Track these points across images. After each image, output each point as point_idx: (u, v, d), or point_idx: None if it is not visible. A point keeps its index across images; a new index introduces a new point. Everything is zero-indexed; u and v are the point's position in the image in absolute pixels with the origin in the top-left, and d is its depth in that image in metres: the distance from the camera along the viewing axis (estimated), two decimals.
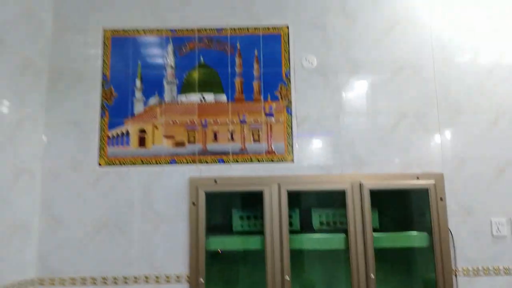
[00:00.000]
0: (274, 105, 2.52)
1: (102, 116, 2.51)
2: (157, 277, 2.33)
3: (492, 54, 2.60)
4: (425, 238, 2.33)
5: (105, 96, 2.53)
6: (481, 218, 2.41)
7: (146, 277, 2.34)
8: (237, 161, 2.47)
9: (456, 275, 2.33)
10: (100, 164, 2.46)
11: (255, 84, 2.54)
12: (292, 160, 2.47)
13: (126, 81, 2.55)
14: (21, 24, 2.32)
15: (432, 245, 2.30)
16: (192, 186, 2.38)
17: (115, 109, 2.52)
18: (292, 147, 2.48)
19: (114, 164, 2.46)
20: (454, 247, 2.34)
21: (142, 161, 2.47)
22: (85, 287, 2.32)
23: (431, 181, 2.37)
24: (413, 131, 2.50)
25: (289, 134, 2.49)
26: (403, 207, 2.59)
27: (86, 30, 2.59)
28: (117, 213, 2.40)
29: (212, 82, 2.55)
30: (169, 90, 2.55)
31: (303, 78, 2.55)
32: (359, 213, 2.31)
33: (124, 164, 2.46)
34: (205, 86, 2.55)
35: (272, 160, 2.47)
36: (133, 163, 2.46)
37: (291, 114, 2.51)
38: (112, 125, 2.50)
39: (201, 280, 2.24)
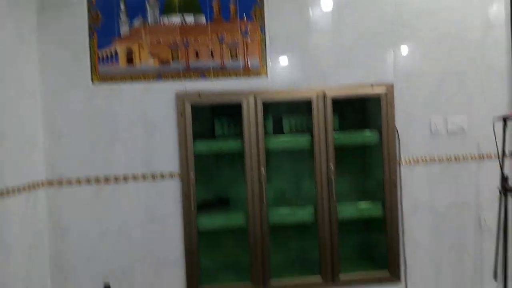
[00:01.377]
0: (249, 25, 2.78)
1: (90, 37, 2.72)
2: (153, 175, 2.70)
3: None
4: (376, 136, 2.77)
5: (92, 19, 2.72)
6: (423, 120, 2.83)
7: (144, 175, 2.70)
8: (217, 77, 2.78)
9: (400, 165, 2.81)
10: (93, 81, 2.72)
11: (232, 6, 2.78)
12: (266, 75, 2.78)
13: (111, 4, 2.72)
14: None
15: (381, 142, 2.75)
16: (179, 99, 2.69)
17: (103, 30, 2.72)
18: (266, 63, 2.78)
19: (105, 80, 2.72)
20: (399, 143, 2.79)
21: (131, 77, 2.73)
22: (90, 186, 2.67)
23: (383, 90, 2.77)
24: (370, 48, 2.81)
25: (263, 51, 2.77)
26: (360, 112, 3.01)
27: None
28: (114, 124, 2.69)
29: (191, 4, 2.77)
30: (152, 12, 2.76)
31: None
32: (322, 118, 2.70)
33: (115, 80, 2.72)
34: (185, 7, 2.76)
35: (249, 75, 2.78)
36: (123, 80, 2.73)
37: (264, 33, 2.79)
38: (101, 45, 2.73)
39: (192, 174, 2.65)
